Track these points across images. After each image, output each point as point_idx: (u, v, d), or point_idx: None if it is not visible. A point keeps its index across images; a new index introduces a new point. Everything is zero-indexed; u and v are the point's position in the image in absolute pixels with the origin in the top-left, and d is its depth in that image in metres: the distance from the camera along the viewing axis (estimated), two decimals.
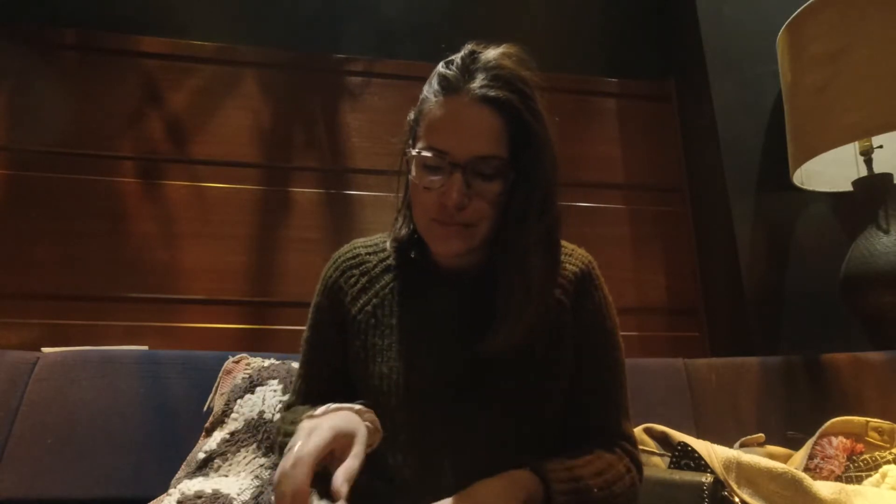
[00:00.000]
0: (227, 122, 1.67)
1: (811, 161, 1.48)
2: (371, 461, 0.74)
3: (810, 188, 1.62)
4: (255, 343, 1.52)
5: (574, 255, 0.77)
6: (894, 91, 1.31)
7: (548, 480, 0.61)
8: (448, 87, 0.66)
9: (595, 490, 0.63)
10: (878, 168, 1.48)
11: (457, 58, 0.67)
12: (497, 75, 0.65)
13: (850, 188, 1.54)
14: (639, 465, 0.72)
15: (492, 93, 0.64)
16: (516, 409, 0.69)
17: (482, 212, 0.66)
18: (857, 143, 1.46)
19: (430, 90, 0.69)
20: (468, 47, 0.68)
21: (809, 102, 1.46)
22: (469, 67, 0.66)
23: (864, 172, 1.49)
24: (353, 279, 0.77)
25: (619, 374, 0.75)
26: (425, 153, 0.66)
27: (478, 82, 0.64)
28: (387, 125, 1.73)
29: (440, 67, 0.68)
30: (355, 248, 0.81)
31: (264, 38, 1.76)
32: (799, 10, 1.50)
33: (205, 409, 1.19)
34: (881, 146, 1.48)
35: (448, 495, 0.59)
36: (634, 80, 1.95)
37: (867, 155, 1.48)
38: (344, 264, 0.79)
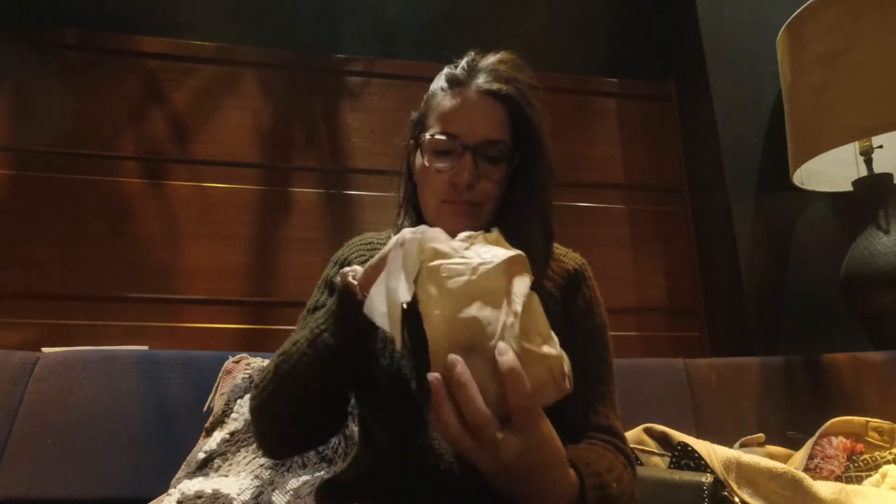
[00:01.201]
0: (228, 122, 1.67)
1: (811, 161, 1.48)
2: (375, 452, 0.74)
3: (810, 188, 1.62)
4: (255, 343, 1.52)
5: (568, 256, 0.81)
6: (894, 91, 1.31)
7: (581, 475, 0.60)
8: (456, 82, 0.74)
9: (613, 486, 0.62)
10: (878, 168, 1.48)
11: (461, 62, 0.76)
12: (498, 76, 0.73)
13: (850, 188, 1.54)
14: (631, 463, 0.72)
15: (495, 86, 0.72)
16: None
17: (488, 192, 0.73)
18: (857, 143, 1.46)
19: (437, 87, 0.77)
20: (470, 54, 0.77)
21: (809, 102, 1.46)
22: (474, 68, 0.75)
23: (864, 172, 1.49)
24: (364, 257, 0.81)
25: (607, 371, 0.76)
26: (438, 136, 0.73)
27: (482, 79, 0.73)
28: (387, 125, 1.73)
29: (446, 69, 0.76)
30: (366, 237, 0.86)
31: (264, 38, 1.76)
32: (799, 10, 1.50)
33: (205, 409, 1.20)
34: (881, 146, 1.48)
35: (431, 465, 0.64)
36: (634, 80, 1.95)
37: (867, 155, 1.48)
38: (356, 246, 0.84)
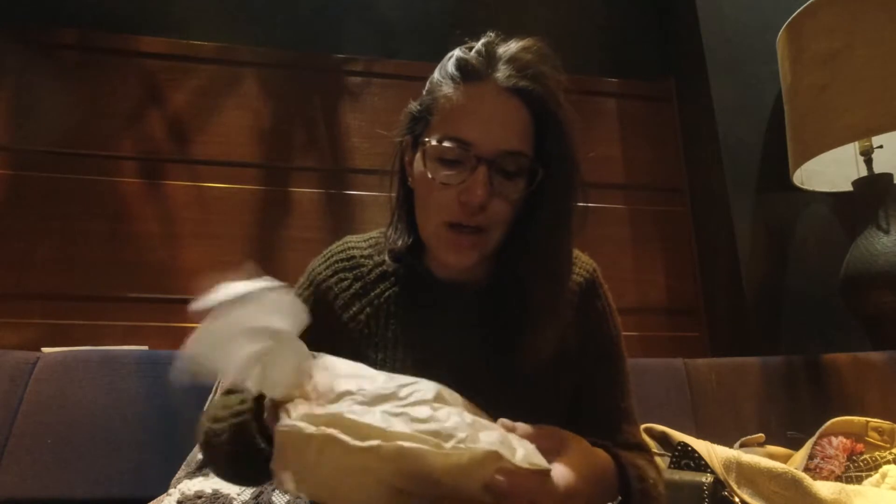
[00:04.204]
0: (227, 122, 1.67)
1: (811, 161, 1.48)
2: None
3: (810, 188, 1.62)
4: None
5: (578, 264, 0.73)
6: (894, 91, 1.31)
7: (623, 465, 0.59)
8: (472, 72, 0.61)
9: (650, 480, 0.61)
10: (878, 168, 1.48)
11: (477, 44, 0.63)
12: (522, 68, 0.60)
13: (850, 188, 1.54)
14: (660, 473, 0.69)
15: (521, 83, 0.60)
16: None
17: (501, 214, 0.61)
18: (857, 143, 1.46)
19: (445, 75, 0.63)
20: (489, 35, 0.64)
21: (809, 102, 1.46)
22: (492, 56, 0.61)
23: (864, 172, 1.49)
24: (345, 282, 0.72)
25: (626, 384, 0.72)
26: (446, 143, 0.60)
27: (504, 72, 0.60)
28: (387, 125, 1.71)
29: (458, 52, 0.63)
30: (349, 249, 0.75)
31: (264, 38, 1.76)
32: (799, 10, 1.50)
33: (205, 409, 1.19)
34: (881, 146, 1.48)
35: None
36: (634, 80, 1.95)
37: (867, 155, 1.48)
38: (337, 265, 0.74)
